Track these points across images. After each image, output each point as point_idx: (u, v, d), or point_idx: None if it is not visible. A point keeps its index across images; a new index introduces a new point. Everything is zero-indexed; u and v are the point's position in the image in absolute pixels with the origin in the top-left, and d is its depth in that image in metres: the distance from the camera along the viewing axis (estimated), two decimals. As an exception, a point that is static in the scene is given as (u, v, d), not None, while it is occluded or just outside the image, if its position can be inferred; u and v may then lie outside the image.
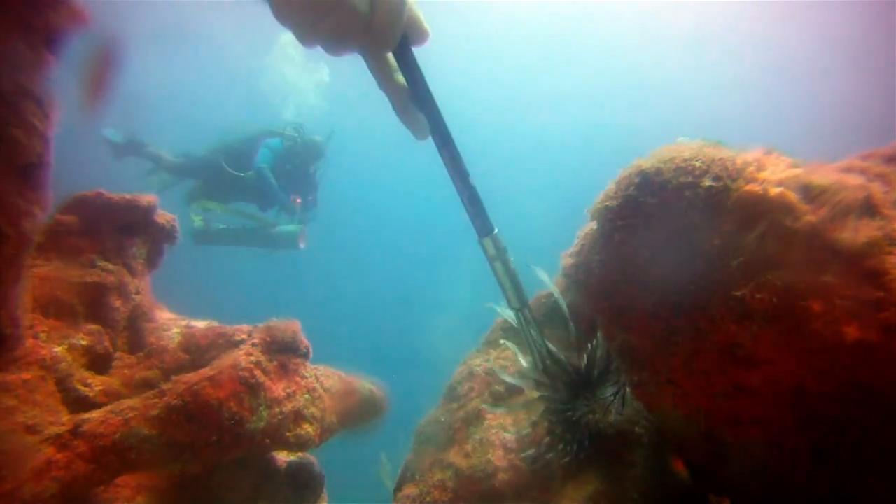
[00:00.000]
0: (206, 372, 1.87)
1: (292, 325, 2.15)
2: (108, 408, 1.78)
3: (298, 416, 2.03)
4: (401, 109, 1.16)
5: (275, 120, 8.22)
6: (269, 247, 7.21)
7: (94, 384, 2.06)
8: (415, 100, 1.17)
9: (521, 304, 1.52)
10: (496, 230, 1.39)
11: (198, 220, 7.13)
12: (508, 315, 1.98)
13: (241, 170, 7.02)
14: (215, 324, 2.59)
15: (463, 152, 1.26)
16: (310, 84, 13.43)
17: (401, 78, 1.14)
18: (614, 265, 1.38)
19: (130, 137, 7.48)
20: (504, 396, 2.37)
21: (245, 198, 7.35)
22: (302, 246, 7.13)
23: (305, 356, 2.17)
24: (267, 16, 0.95)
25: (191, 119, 16.75)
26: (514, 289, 1.48)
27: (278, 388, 1.98)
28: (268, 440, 1.94)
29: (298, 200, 7.42)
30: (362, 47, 1.07)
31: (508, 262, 1.44)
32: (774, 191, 1.14)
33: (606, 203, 1.37)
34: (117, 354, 2.31)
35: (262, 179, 6.90)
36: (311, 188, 7.59)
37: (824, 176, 1.13)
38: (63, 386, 1.92)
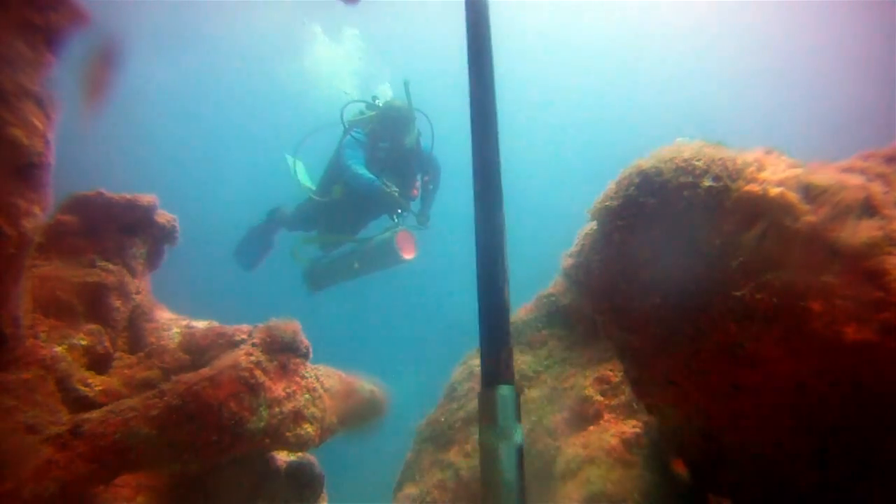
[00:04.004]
0: (206, 372, 1.87)
1: (292, 325, 2.15)
2: (108, 408, 1.78)
3: (298, 416, 2.03)
4: None
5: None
6: (378, 267, 5.74)
7: (95, 384, 2.06)
8: None
9: None
10: None
11: (303, 262, 5.96)
12: None
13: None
14: (215, 324, 2.59)
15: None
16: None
17: None
18: (614, 265, 1.38)
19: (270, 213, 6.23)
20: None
21: (369, 215, 5.91)
22: (407, 256, 5.47)
23: (305, 356, 2.17)
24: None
25: (191, 119, 16.76)
26: None
27: (278, 388, 1.98)
28: (268, 440, 1.94)
29: (416, 189, 5.80)
30: None
31: None
32: (774, 191, 1.14)
33: (606, 203, 1.37)
34: (117, 354, 2.30)
35: (355, 180, 5.34)
36: (423, 165, 5.82)
37: (824, 176, 1.13)
38: (63, 386, 1.92)
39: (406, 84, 5.62)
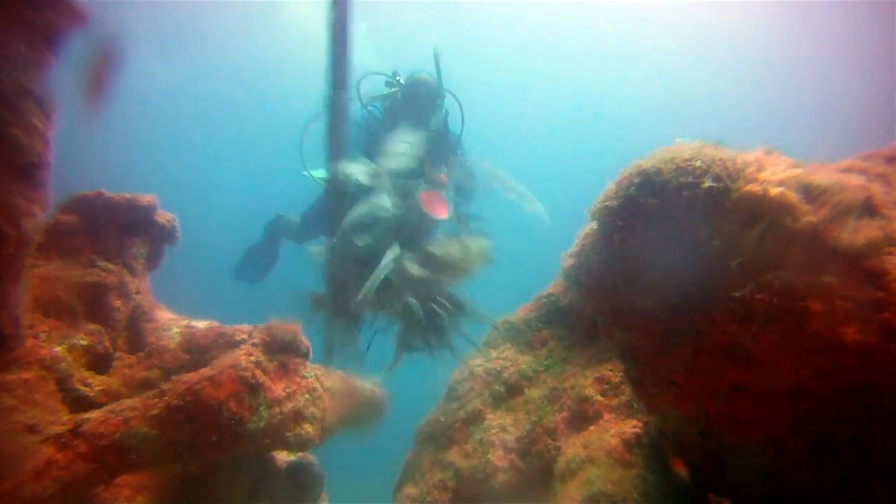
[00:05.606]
0: (206, 372, 1.87)
1: (292, 326, 2.15)
2: (109, 408, 1.78)
3: (298, 416, 2.03)
4: None
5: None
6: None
7: (95, 384, 2.06)
8: None
9: None
10: None
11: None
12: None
13: None
14: (216, 324, 2.59)
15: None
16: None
17: None
18: (614, 266, 1.38)
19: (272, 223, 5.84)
20: (504, 397, 2.37)
21: None
22: (441, 216, 4.25)
23: (306, 356, 2.17)
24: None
25: (191, 117, 16.75)
26: None
27: (278, 388, 1.98)
28: (268, 440, 1.94)
29: (444, 177, 4.90)
30: None
31: None
32: (775, 191, 1.14)
33: (607, 203, 1.37)
34: (117, 354, 2.31)
35: None
36: (448, 148, 4.98)
37: (825, 176, 1.13)
38: (63, 386, 1.92)
39: (436, 55, 4.60)
